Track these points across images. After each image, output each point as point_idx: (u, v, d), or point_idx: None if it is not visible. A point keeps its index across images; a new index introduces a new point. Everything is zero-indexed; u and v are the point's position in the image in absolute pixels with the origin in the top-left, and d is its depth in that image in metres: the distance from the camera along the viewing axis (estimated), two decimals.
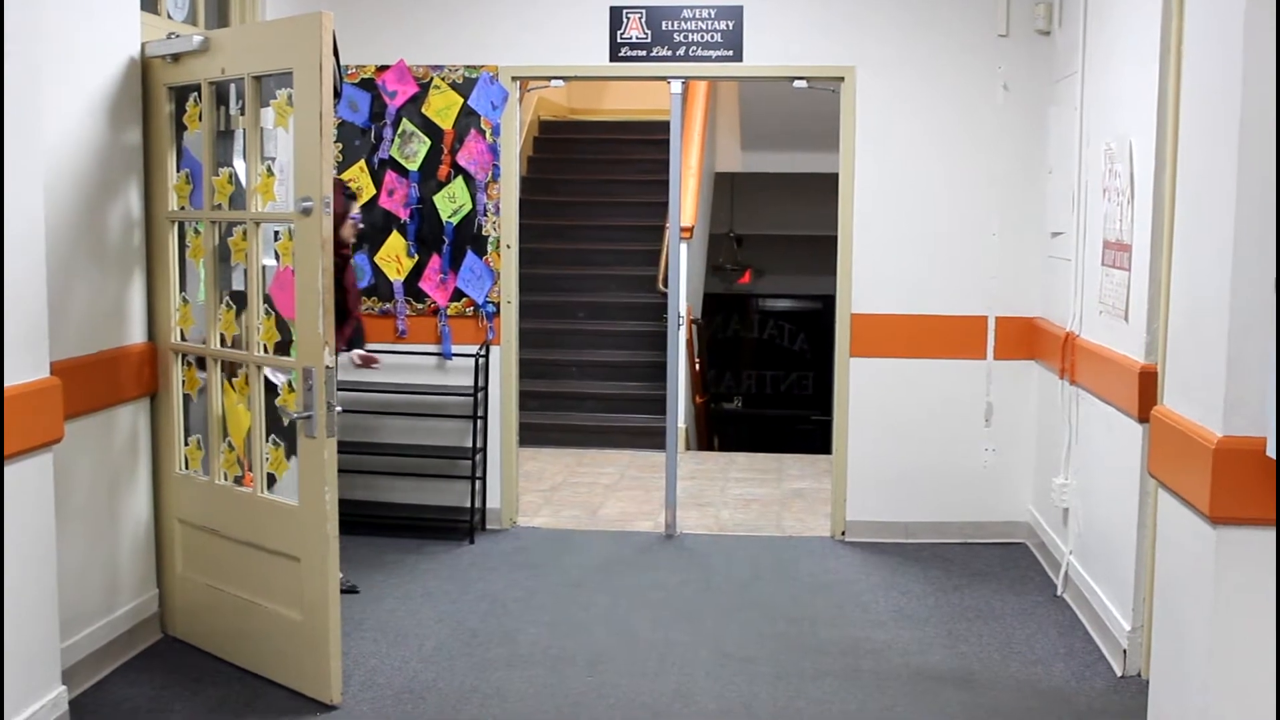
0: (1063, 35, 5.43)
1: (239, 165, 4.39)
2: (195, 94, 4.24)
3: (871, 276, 5.81)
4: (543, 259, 9.33)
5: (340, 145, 5.89)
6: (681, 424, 7.70)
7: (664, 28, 5.79)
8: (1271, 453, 2.71)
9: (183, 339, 4.42)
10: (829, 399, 6.39)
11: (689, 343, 8.83)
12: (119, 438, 4.27)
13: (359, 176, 5.92)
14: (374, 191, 5.93)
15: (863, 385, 5.87)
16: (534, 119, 11.10)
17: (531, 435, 7.53)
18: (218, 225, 4.27)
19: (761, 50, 5.76)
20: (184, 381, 4.42)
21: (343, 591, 4.54)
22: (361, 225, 5.14)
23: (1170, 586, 3.25)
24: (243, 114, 4.29)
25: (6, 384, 3.27)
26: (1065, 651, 4.50)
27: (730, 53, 5.77)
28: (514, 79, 5.90)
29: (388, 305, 6.01)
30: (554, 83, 6.09)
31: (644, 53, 5.82)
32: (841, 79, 5.75)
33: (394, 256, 5.96)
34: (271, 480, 4.17)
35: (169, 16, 4.69)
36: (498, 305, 5.95)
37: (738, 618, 4.83)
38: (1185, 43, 3.34)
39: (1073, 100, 5.15)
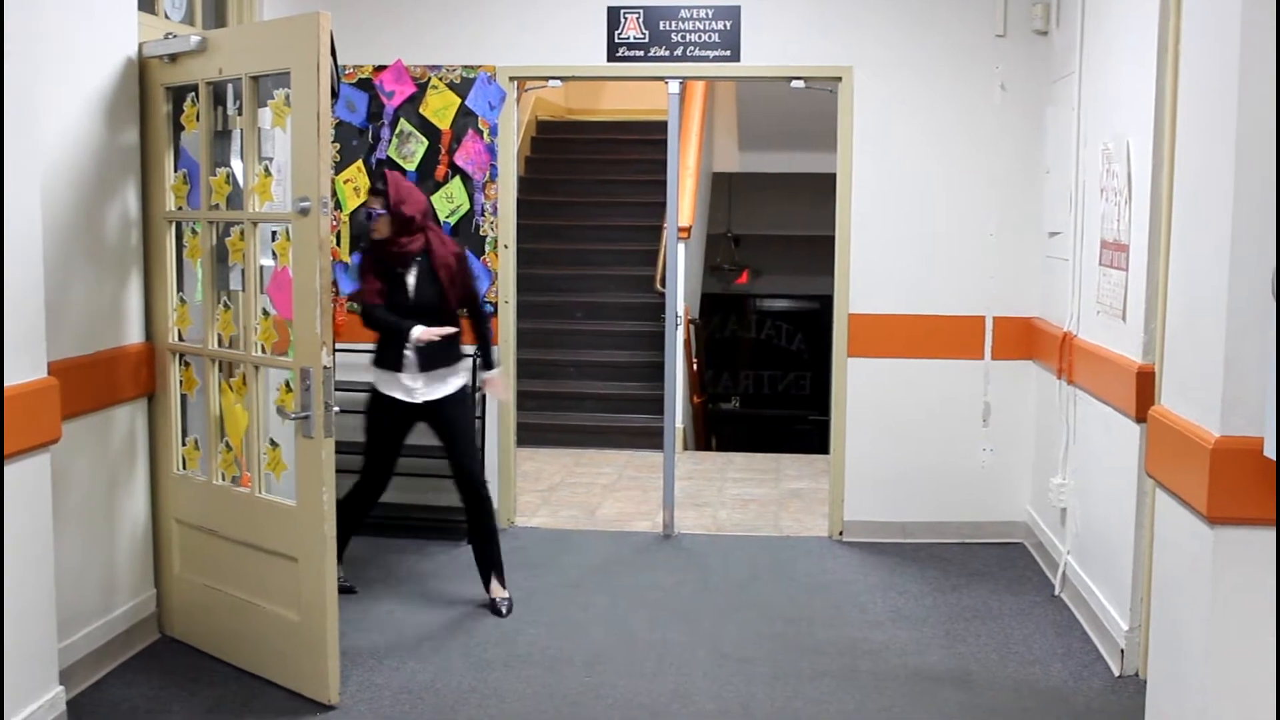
0: (1060, 35, 5.43)
1: (236, 165, 4.38)
2: (193, 94, 4.23)
3: (869, 276, 5.81)
4: (540, 259, 9.33)
5: (338, 145, 5.89)
6: (679, 424, 7.70)
7: (661, 28, 5.79)
8: (1269, 452, 2.71)
9: (180, 339, 4.42)
10: (827, 399, 6.40)
11: (687, 343, 8.82)
12: (116, 438, 4.26)
13: (356, 176, 5.92)
14: None
15: (860, 385, 5.87)
16: (532, 119, 11.10)
17: (529, 435, 7.53)
18: (215, 225, 4.26)
19: (759, 50, 5.76)
20: (181, 381, 4.42)
21: (340, 591, 4.56)
22: (381, 214, 4.75)
23: (1168, 586, 3.25)
24: (240, 114, 4.29)
25: (4, 384, 3.27)
26: (1063, 651, 4.50)
27: (728, 53, 5.78)
28: (511, 79, 5.90)
29: None
30: (551, 83, 6.09)
31: (641, 53, 5.82)
32: (839, 79, 5.76)
33: None
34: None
35: (166, 16, 4.68)
36: (495, 305, 5.94)
37: (735, 618, 4.83)
38: (1183, 42, 3.33)
39: (1070, 100, 5.15)
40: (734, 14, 5.75)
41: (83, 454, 4.04)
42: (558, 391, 8.82)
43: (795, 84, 5.85)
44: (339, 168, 5.92)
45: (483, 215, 5.91)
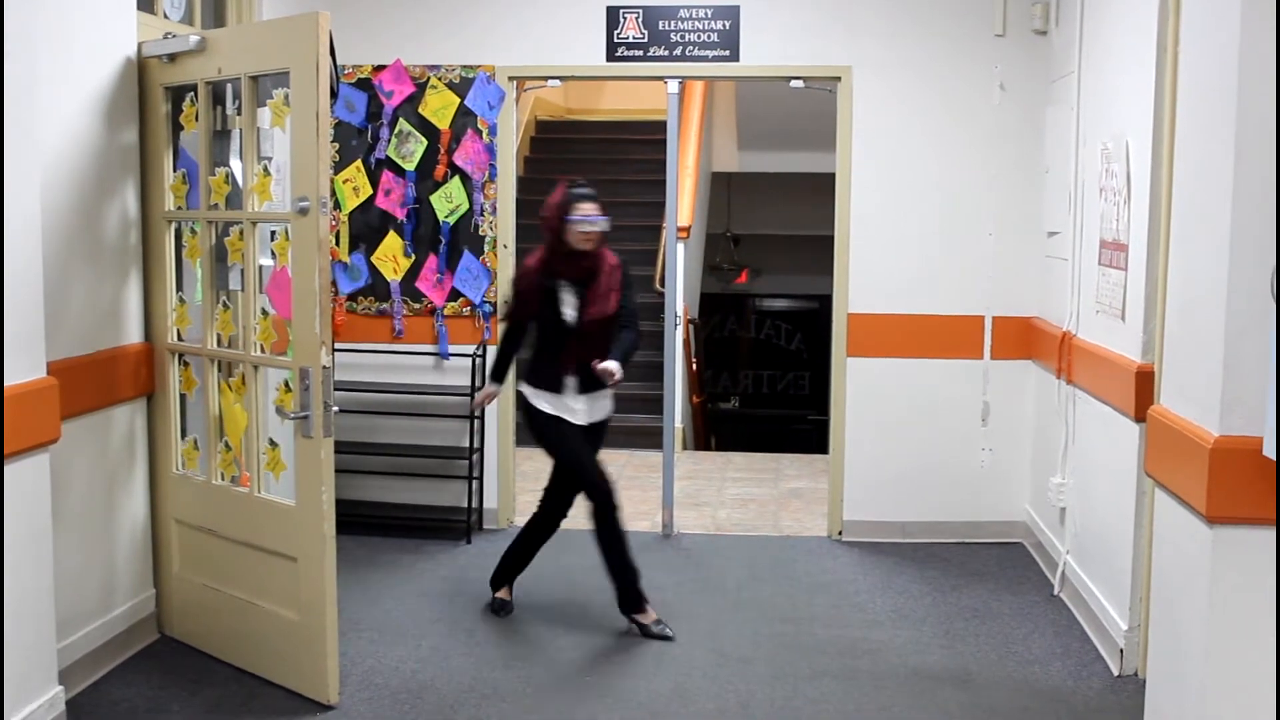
0: (1059, 35, 5.43)
1: (235, 165, 4.38)
2: (192, 94, 4.23)
3: (868, 276, 5.81)
4: None
5: (337, 145, 5.89)
6: (678, 424, 7.69)
7: (661, 28, 5.79)
8: (1268, 452, 2.71)
9: (179, 339, 4.42)
10: (826, 399, 6.40)
11: (686, 342, 8.83)
12: (116, 438, 4.26)
13: (355, 176, 5.92)
14: (370, 191, 5.93)
15: (860, 385, 5.87)
16: (531, 119, 11.10)
17: (529, 435, 7.50)
18: (214, 225, 4.26)
19: (758, 50, 5.76)
20: (181, 381, 4.42)
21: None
22: (602, 220, 4.51)
23: (1167, 586, 3.25)
24: (239, 114, 4.29)
25: (4, 384, 3.27)
26: (1062, 651, 4.50)
27: (727, 52, 5.78)
28: (511, 79, 5.90)
29: (384, 305, 6.00)
30: (551, 83, 6.09)
31: (641, 53, 5.82)
32: (838, 79, 5.76)
33: (391, 256, 5.96)
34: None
35: (165, 16, 4.68)
36: (494, 305, 5.94)
37: (735, 617, 4.83)
38: (1182, 42, 3.33)
39: (1069, 100, 5.15)
40: (733, 14, 5.75)
41: (82, 454, 4.04)
42: None
43: (794, 84, 5.85)
44: (338, 167, 5.91)
45: (482, 215, 5.91)
